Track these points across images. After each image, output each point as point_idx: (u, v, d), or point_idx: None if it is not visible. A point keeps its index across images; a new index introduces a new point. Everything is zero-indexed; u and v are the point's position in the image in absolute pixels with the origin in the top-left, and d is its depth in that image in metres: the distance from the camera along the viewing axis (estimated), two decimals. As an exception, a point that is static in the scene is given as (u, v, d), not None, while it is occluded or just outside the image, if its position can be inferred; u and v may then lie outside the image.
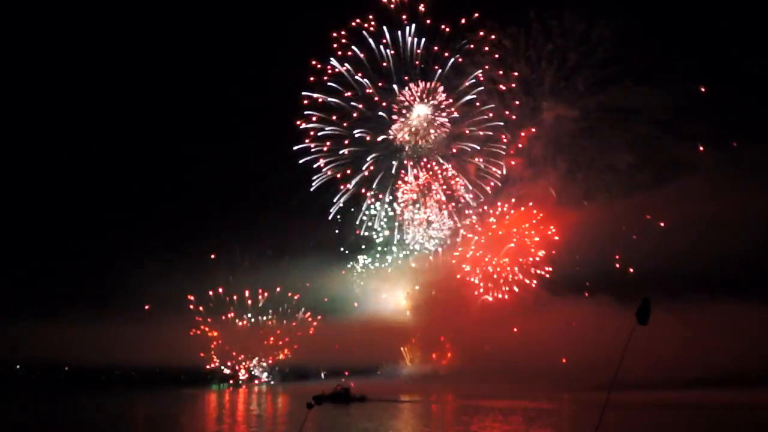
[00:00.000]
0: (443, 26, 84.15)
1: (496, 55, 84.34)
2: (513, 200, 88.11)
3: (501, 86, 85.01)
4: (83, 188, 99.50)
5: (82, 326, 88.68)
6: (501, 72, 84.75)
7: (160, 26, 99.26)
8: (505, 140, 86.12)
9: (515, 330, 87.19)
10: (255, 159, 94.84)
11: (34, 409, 66.34)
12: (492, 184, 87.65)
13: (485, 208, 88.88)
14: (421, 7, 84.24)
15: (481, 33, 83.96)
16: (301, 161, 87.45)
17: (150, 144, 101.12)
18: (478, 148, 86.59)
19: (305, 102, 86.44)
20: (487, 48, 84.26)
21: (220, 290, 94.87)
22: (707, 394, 66.92)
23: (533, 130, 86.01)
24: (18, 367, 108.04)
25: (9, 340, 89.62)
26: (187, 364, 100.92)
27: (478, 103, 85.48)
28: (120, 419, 53.28)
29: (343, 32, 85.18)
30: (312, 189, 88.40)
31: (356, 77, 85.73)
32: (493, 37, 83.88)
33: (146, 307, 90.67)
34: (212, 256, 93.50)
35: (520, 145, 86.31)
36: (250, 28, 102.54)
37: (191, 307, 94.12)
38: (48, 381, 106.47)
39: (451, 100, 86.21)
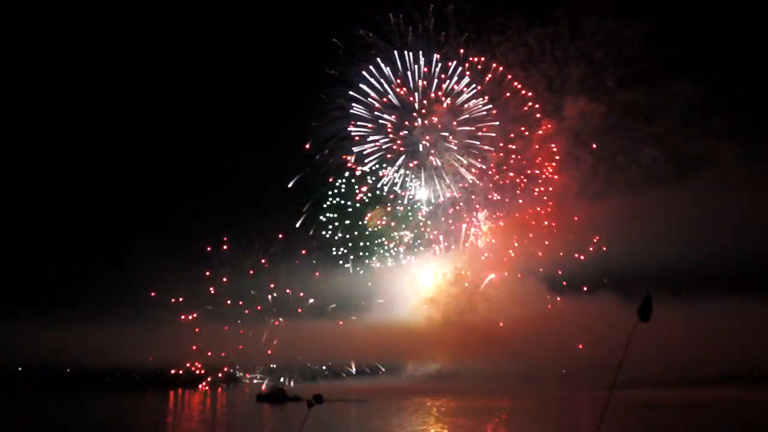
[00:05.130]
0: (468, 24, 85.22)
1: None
2: (534, 195, 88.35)
3: (526, 83, 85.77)
4: (85, 189, 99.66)
5: (83, 327, 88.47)
6: (525, 69, 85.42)
7: (169, 26, 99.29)
8: (526, 134, 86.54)
9: (519, 328, 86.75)
10: (264, 155, 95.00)
11: (34, 411, 66.14)
12: (514, 175, 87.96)
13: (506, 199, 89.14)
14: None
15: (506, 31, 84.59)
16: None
17: (152, 144, 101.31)
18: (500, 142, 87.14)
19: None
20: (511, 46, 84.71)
21: (212, 290, 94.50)
22: (711, 391, 66.50)
23: (556, 125, 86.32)
24: (19, 369, 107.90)
25: (10, 341, 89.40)
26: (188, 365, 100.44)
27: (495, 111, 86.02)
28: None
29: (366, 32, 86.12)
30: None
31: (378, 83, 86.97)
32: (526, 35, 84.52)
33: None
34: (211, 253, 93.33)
35: (541, 140, 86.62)
36: (262, 29, 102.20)
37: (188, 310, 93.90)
38: (49, 383, 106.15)
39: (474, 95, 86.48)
